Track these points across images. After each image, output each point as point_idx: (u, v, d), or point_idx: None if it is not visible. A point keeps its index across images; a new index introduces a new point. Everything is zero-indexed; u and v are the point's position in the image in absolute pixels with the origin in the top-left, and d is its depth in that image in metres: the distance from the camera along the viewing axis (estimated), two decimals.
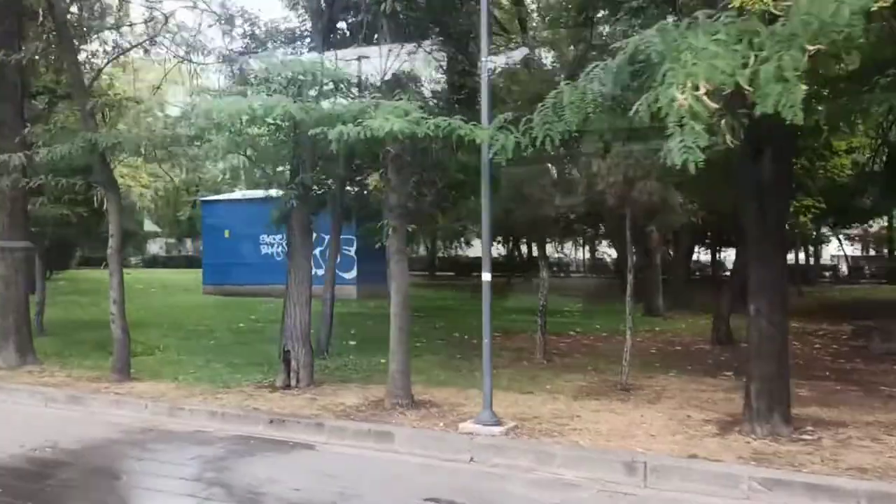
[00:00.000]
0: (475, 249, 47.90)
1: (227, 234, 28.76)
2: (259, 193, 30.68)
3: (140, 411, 9.71)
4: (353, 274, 26.92)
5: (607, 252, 52.16)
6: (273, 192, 12.96)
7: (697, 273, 36.07)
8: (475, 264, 46.70)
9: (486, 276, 8.59)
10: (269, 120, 8.30)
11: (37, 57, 11.92)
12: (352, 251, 26.83)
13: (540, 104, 6.85)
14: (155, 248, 62.34)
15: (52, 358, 13.31)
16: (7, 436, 8.69)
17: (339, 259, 27.15)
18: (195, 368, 12.50)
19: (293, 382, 10.83)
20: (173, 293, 28.19)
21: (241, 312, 21.72)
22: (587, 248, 50.97)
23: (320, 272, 27.77)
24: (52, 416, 9.86)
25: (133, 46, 12.17)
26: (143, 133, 10.30)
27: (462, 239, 44.48)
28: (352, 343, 15.90)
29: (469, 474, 7.48)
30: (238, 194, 30.24)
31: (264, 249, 28.11)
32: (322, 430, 8.57)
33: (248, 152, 10.53)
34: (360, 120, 7.09)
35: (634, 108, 6.26)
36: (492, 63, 8.46)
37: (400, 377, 9.64)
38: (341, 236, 26.67)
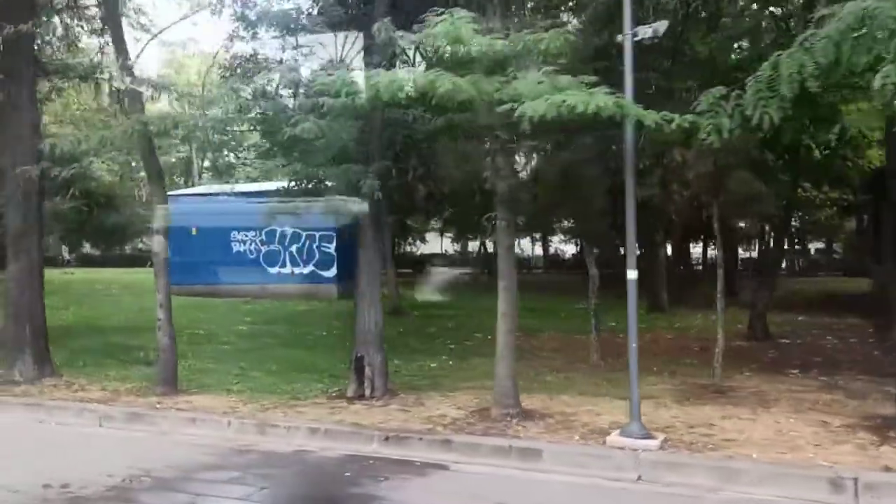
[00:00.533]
0: (429, 245, 47.07)
1: (194, 231, 27.15)
2: (230, 188, 29.24)
3: (222, 429, 8.59)
4: (332, 272, 25.79)
5: (559, 248, 52.05)
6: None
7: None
8: (431, 261, 45.94)
9: (632, 274, 7.79)
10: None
11: (55, 35, 10.56)
12: (331, 248, 25.73)
13: (751, 78, 6.09)
14: (87, 245, 59.16)
15: (64, 368, 11.95)
16: (82, 464, 7.48)
17: (317, 256, 26.18)
18: (236, 378, 11.38)
19: (367, 392, 9.85)
20: (138, 294, 26.36)
21: (229, 315, 20.41)
22: (542, 243, 50.52)
23: (297, 269, 26.85)
24: (118, 438, 8.64)
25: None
26: (203, 116, 9.10)
27: (418, 235, 43.53)
28: None
29: (647, 496, 6.69)
30: (206, 188, 28.76)
31: (235, 247, 26.70)
32: (450, 448, 7.63)
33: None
34: (546, 96, 6.20)
35: (879, 80, 5.59)
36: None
37: (509, 384, 8.77)
38: (321, 233, 25.74)
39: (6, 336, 11.28)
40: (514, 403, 8.72)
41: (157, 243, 10.16)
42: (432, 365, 12.61)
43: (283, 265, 26.29)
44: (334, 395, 10.05)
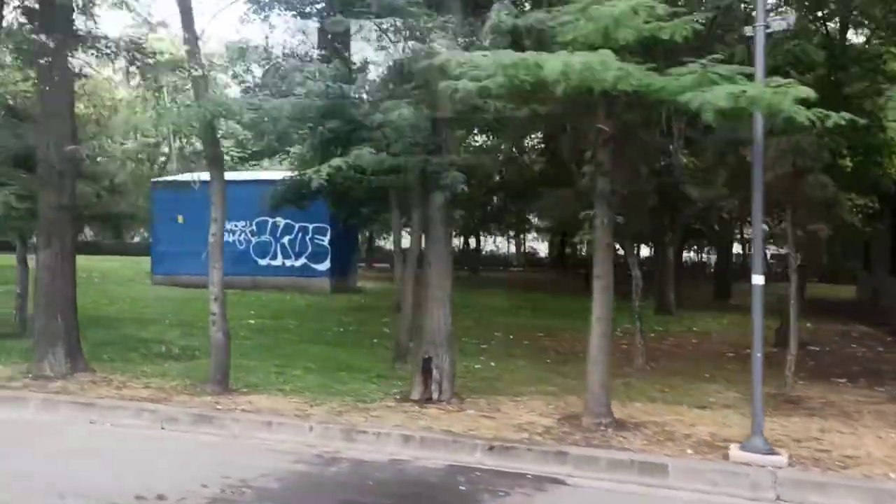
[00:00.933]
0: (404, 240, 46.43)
1: (180, 219, 26.13)
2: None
3: (303, 434, 7.98)
4: (326, 266, 25.09)
5: (533, 246, 51.94)
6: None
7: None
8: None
9: (759, 280, 7.40)
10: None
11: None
12: (325, 241, 25.02)
13: None
14: None
15: (91, 363, 11.17)
16: (166, 472, 6.86)
17: (310, 249, 25.42)
18: (279, 377, 10.78)
19: (435, 395, 9.33)
20: (122, 284, 25.51)
21: (233, 308, 19.37)
22: (516, 241, 50.33)
23: (288, 262, 26.06)
24: (188, 443, 7.97)
25: None
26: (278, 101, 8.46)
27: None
28: (410, 344, 14.30)
29: None
30: (193, 176, 27.66)
31: (224, 237, 25.71)
32: (565, 460, 7.16)
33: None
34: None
35: None
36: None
37: (602, 392, 8.33)
38: (315, 225, 24.99)
39: (37, 327, 10.53)
40: (606, 412, 8.29)
41: (212, 233, 9.51)
42: (476, 366, 12.13)
43: (275, 257, 25.52)
44: (398, 397, 9.50)
